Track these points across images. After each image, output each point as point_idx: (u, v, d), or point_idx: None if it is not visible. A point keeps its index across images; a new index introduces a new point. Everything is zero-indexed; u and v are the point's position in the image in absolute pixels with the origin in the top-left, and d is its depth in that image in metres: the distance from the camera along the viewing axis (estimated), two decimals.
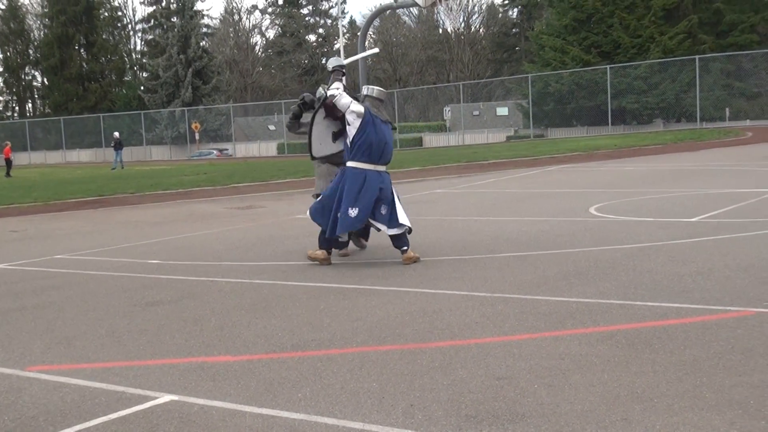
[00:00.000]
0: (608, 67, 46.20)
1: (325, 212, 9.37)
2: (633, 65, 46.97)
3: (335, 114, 9.69)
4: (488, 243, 10.43)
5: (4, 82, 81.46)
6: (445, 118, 63.35)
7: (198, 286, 8.67)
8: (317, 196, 10.04)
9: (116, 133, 48.06)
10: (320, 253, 9.49)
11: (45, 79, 79.19)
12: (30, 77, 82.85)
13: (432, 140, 55.92)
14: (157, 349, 6.14)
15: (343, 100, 9.34)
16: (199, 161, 52.87)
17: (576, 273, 8.10)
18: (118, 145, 45.47)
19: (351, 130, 9.34)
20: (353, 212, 9.18)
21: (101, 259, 11.06)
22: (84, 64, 76.35)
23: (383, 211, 9.37)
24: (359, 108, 9.32)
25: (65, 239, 13.81)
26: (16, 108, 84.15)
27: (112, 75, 77.73)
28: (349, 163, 9.33)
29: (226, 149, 62.00)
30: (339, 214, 9.21)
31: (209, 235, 13.24)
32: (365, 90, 9.81)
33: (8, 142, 46.33)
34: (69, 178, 34.35)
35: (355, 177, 9.24)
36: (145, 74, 76.19)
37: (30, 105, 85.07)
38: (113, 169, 42.71)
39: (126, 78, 79.10)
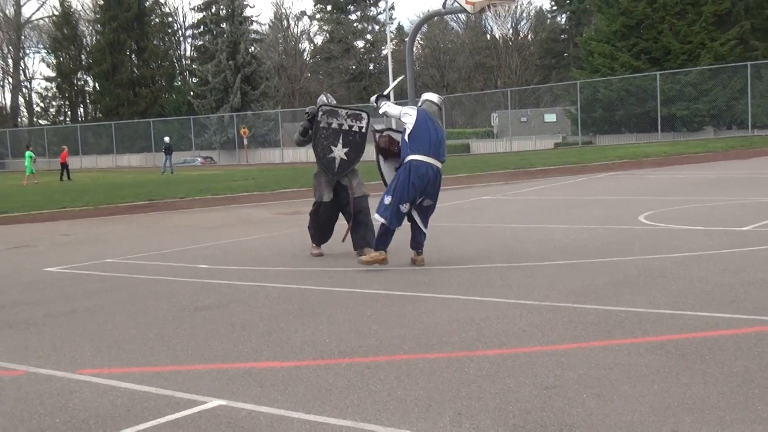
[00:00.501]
0: (658, 73, 45.72)
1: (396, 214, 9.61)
2: (683, 72, 46.44)
3: (392, 150, 10.22)
4: (536, 251, 10.38)
5: (57, 87, 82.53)
6: (492, 124, 63.12)
7: (246, 291, 8.73)
8: (314, 203, 10.95)
9: (166, 138, 48.72)
10: (377, 255, 9.59)
11: (96, 85, 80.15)
12: (82, 82, 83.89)
13: (479, 146, 55.76)
14: (205, 354, 6.19)
15: (393, 109, 10.06)
16: (192, 167, 53.88)
17: (625, 282, 8.03)
18: (168, 150, 46.04)
19: (408, 128, 9.66)
20: (404, 207, 9.56)
21: (151, 263, 11.17)
22: (135, 69, 77.24)
23: (426, 203, 9.80)
24: (412, 110, 9.81)
25: (116, 243, 13.98)
26: (68, 113, 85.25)
27: (162, 80, 78.53)
28: (410, 157, 9.54)
29: (210, 157, 63.14)
30: (395, 206, 9.50)
31: (257, 240, 13.32)
32: (424, 96, 10.25)
33: (65, 147, 47.01)
34: (119, 182, 34.78)
35: (416, 174, 9.47)
36: (194, 80, 76.83)
37: (82, 110, 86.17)
38: (163, 173, 43.19)
39: (176, 83, 79.83)
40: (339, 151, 10.84)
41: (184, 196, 23.17)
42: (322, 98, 11.36)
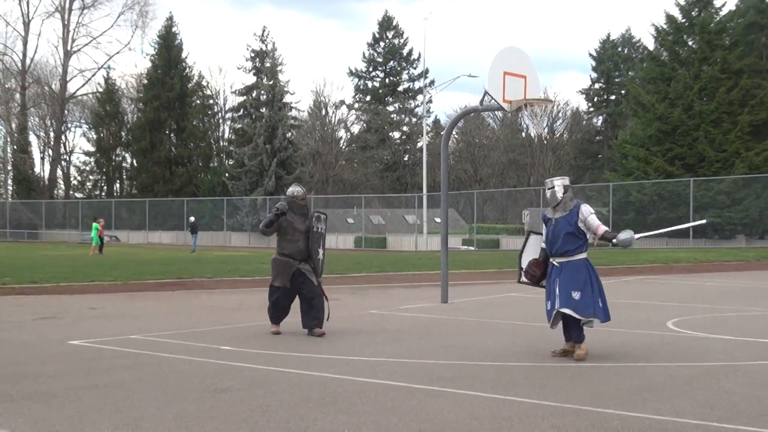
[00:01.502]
0: (691, 179, 45.76)
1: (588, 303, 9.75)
2: (717, 179, 46.49)
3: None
4: None
5: (96, 161, 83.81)
6: (523, 221, 63.18)
7: (267, 375, 8.69)
8: (270, 285, 11.95)
9: (192, 218, 49.32)
10: (584, 347, 9.77)
11: (134, 161, 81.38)
12: (120, 158, 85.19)
13: (509, 243, 55.65)
14: None
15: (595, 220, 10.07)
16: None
17: (651, 388, 7.92)
18: (194, 229, 46.43)
19: (587, 229, 9.99)
20: (548, 304, 10.18)
21: (175, 342, 11.17)
22: (173, 148, 78.36)
23: (575, 296, 9.80)
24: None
25: (142, 319, 14.00)
26: (105, 187, 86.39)
27: (199, 161, 79.55)
28: (585, 255, 9.93)
29: (115, 236, 64.22)
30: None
31: (283, 324, 13.29)
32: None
33: (102, 220, 47.48)
34: (149, 258, 34.98)
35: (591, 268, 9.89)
36: (230, 161, 77.76)
37: (117, 185, 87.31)
38: (193, 252, 43.47)
39: (212, 164, 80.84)
40: (321, 253, 12.21)
41: (212, 276, 23.24)
42: (292, 190, 12.30)
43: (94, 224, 43.30)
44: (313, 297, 11.79)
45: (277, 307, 11.97)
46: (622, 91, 79.86)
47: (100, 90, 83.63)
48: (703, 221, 13.48)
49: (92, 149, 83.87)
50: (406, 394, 7.70)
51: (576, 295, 9.66)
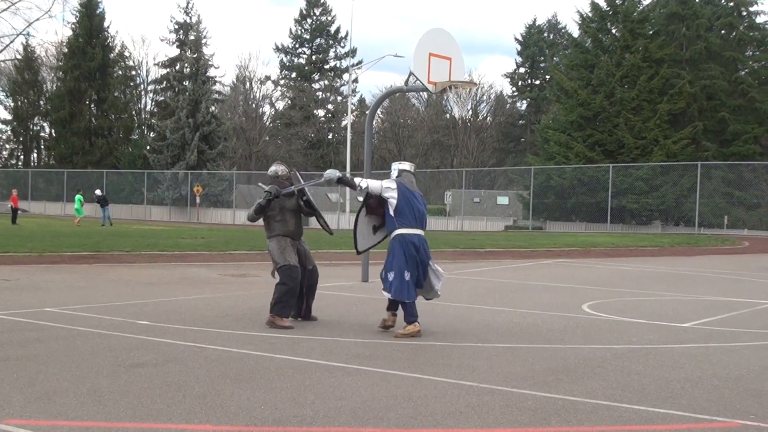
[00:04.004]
0: (611, 165, 46.56)
1: (395, 279, 9.83)
2: (635, 166, 47.37)
3: (378, 212, 10.46)
4: (478, 332, 10.40)
5: (12, 130, 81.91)
6: (445, 202, 63.62)
7: (184, 351, 8.62)
8: (282, 267, 10.66)
9: (98, 191, 48.60)
10: (412, 327, 9.79)
11: (53, 131, 79.67)
12: (38, 128, 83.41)
13: (431, 223, 55.48)
14: (137, 413, 6.08)
15: (374, 184, 10.09)
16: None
17: (564, 369, 8.06)
18: (103, 201, 45.49)
19: (393, 203, 9.96)
20: (407, 275, 9.84)
21: (91, 315, 11.01)
22: (93, 119, 76.86)
23: (423, 276, 10.10)
24: (392, 183, 10.06)
25: (57, 292, 13.77)
26: (21, 157, 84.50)
27: (120, 132, 78.15)
28: (398, 231, 9.94)
29: (24, 209, 61.94)
30: (401, 278, 9.80)
31: (201, 300, 13.20)
32: (397, 165, 10.59)
33: (15, 190, 46.61)
34: (66, 231, 34.35)
35: (408, 244, 9.89)
36: (152, 134, 76.60)
37: (35, 155, 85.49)
38: (102, 225, 42.74)
39: (133, 136, 79.52)
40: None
41: (131, 249, 22.93)
42: (275, 169, 11.31)
43: (77, 196, 44.10)
44: (313, 284, 11.21)
45: (292, 292, 10.57)
46: (547, 77, 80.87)
47: (19, 57, 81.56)
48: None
49: (9, 117, 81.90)
50: (323, 371, 7.71)
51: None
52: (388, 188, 10.02)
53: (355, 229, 10.70)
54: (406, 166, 10.54)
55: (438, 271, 10.33)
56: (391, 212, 9.98)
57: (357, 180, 10.37)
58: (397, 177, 10.29)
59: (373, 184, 10.14)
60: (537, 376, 7.72)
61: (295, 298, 10.70)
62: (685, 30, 51.42)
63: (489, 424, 6.00)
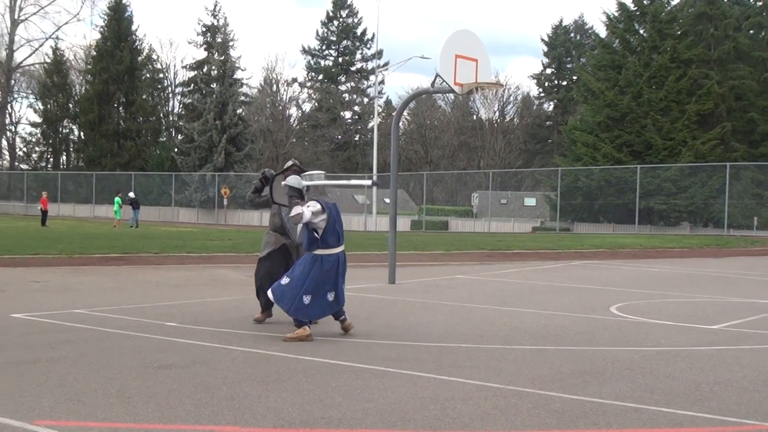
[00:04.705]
0: (638, 166, 46.28)
1: (291, 296, 9.60)
2: (663, 167, 47.06)
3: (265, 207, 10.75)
4: (506, 333, 10.38)
5: (42, 133, 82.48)
6: (472, 203, 63.54)
7: (212, 352, 8.66)
8: (264, 258, 10.89)
9: (131, 193, 49.02)
10: (301, 331, 9.56)
11: (81, 134, 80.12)
12: (67, 130, 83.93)
13: (458, 225, 55.97)
14: (165, 414, 6.11)
15: (304, 219, 9.59)
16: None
17: (592, 372, 8.03)
18: (135, 204, 45.97)
19: (320, 225, 9.67)
20: (330, 296, 9.72)
21: (119, 317, 11.08)
22: (121, 121, 77.29)
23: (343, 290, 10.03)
24: (317, 208, 9.66)
25: (86, 294, 13.87)
26: (51, 159, 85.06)
27: (148, 135, 78.53)
28: (321, 251, 9.71)
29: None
30: (314, 300, 9.56)
31: (228, 301, 13.25)
32: (307, 179, 10.06)
33: (45, 193, 47.04)
34: (95, 232, 34.60)
35: (330, 262, 9.70)
36: (180, 137, 76.90)
37: (64, 158, 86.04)
38: (131, 227, 43.05)
39: (161, 139, 79.93)
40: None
41: (158, 251, 23.05)
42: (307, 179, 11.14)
43: (116, 198, 45.47)
44: None
45: (264, 284, 10.64)
46: (573, 77, 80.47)
47: (48, 61, 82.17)
48: (368, 182, 13.04)
49: (39, 120, 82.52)
50: (350, 373, 7.72)
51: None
52: (317, 214, 9.62)
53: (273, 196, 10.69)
54: (319, 178, 10.17)
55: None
56: (318, 234, 9.71)
57: (295, 210, 9.59)
58: (312, 191, 9.98)
59: (306, 215, 9.56)
60: (564, 378, 7.69)
61: (258, 291, 10.91)
62: (714, 30, 51.00)
63: (516, 426, 5.99)
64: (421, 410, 6.35)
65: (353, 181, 11.35)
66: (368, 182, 11.78)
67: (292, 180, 9.95)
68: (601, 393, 7.07)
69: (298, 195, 9.80)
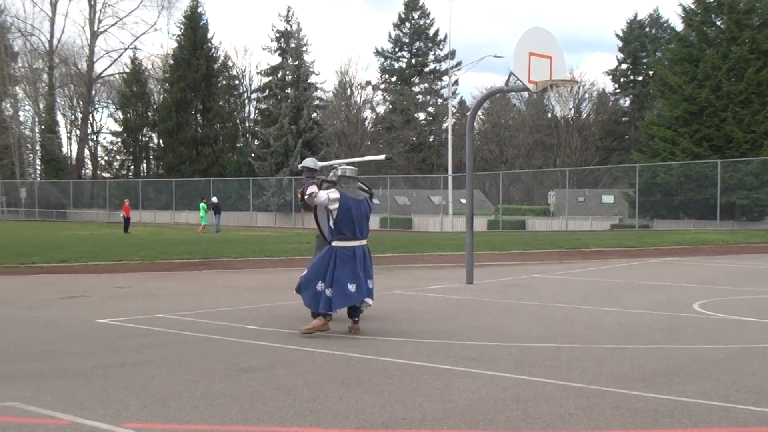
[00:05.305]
0: (719, 161, 45.36)
1: (306, 287, 9.97)
2: (745, 161, 46.04)
3: (310, 210, 10.56)
4: (586, 333, 10.28)
5: (122, 141, 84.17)
6: (549, 202, 63.01)
7: (292, 354, 8.74)
8: None
9: (214, 198, 49.75)
10: (317, 322, 9.88)
11: (160, 141, 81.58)
12: (147, 138, 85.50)
13: (535, 224, 55.53)
14: (249, 416, 6.19)
15: (318, 199, 9.91)
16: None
17: (676, 370, 7.90)
18: (217, 209, 46.70)
19: (333, 213, 9.91)
20: (352, 287, 9.79)
21: (201, 321, 11.25)
22: (199, 128, 78.49)
23: (370, 285, 10.09)
24: (335, 195, 9.89)
25: (168, 299, 14.11)
26: (131, 167, 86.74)
27: (225, 141, 79.60)
28: (336, 243, 9.91)
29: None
30: (335, 290, 9.75)
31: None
32: (340, 171, 10.28)
33: (127, 200, 47.99)
34: (176, 238, 35.16)
35: (346, 254, 9.83)
36: (256, 142, 77.78)
37: (144, 165, 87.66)
38: (217, 231, 43.70)
39: (238, 144, 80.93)
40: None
41: (238, 256, 23.34)
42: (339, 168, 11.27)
43: (201, 204, 46.66)
44: None
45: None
46: (649, 72, 79.25)
47: (127, 70, 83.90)
48: (382, 156, 12.83)
49: (119, 129, 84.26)
50: (430, 373, 7.72)
51: (371, 283, 10.13)
52: (331, 201, 9.88)
53: (318, 224, 10.68)
54: (347, 172, 10.25)
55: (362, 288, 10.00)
56: (330, 223, 9.97)
57: (310, 189, 10.04)
58: (338, 182, 10.11)
59: (321, 196, 9.93)
60: (647, 377, 7.59)
61: None
62: None
63: (599, 426, 5.92)
64: (503, 410, 6.33)
65: (367, 157, 11.49)
66: (382, 156, 11.83)
67: (309, 162, 10.36)
68: (686, 392, 6.96)
69: (314, 176, 10.17)
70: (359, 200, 10.12)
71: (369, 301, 10.10)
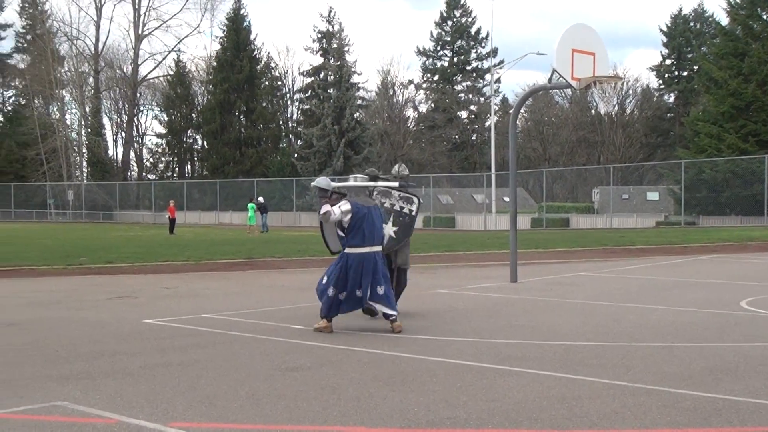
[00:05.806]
0: (766, 156, 44.72)
1: (321, 290, 10.43)
2: None
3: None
4: (632, 331, 10.20)
5: (167, 143, 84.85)
6: (593, 199, 62.53)
7: (337, 354, 8.77)
8: None
9: (260, 198, 49.95)
10: (322, 322, 10.28)
11: (205, 143, 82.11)
12: (191, 140, 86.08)
13: (579, 221, 55.15)
14: (294, 415, 6.22)
15: (334, 216, 10.18)
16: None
17: (724, 368, 7.82)
18: (264, 209, 46.95)
19: (345, 223, 10.19)
20: (359, 293, 10.13)
21: (246, 320, 11.32)
22: (242, 129, 78.90)
23: (380, 291, 10.23)
24: (346, 207, 10.18)
25: (213, 299, 14.22)
26: (176, 169, 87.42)
27: (269, 141, 79.92)
28: (348, 250, 10.21)
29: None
30: (344, 295, 10.17)
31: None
32: (351, 180, 11.02)
33: (172, 201, 48.36)
34: (221, 239, 35.41)
35: (357, 261, 10.12)
36: (299, 142, 78.07)
37: (189, 167, 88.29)
38: (263, 231, 43.96)
39: (281, 145, 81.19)
40: (389, 229, 11.44)
41: (282, 255, 23.46)
42: (352, 181, 11.76)
43: (250, 204, 46.94)
44: (398, 283, 11.66)
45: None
46: (694, 68, 78.41)
47: (171, 73, 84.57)
48: (395, 183, 12.71)
49: (164, 131, 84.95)
50: (475, 373, 7.71)
51: (381, 290, 10.25)
52: (344, 213, 10.17)
53: (323, 234, 11.17)
54: (358, 180, 10.93)
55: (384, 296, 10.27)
56: (342, 233, 10.31)
57: (324, 208, 10.20)
58: (348, 192, 10.61)
59: (335, 213, 10.16)
60: (695, 375, 7.52)
61: None
62: None
63: (646, 425, 5.88)
64: (548, 409, 6.30)
65: (380, 183, 11.46)
66: (395, 184, 11.89)
67: (322, 181, 10.61)
68: (734, 390, 6.88)
69: (327, 195, 10.37)
70: (369, 207, 10.44)
71: (377, 306, 10.28)
